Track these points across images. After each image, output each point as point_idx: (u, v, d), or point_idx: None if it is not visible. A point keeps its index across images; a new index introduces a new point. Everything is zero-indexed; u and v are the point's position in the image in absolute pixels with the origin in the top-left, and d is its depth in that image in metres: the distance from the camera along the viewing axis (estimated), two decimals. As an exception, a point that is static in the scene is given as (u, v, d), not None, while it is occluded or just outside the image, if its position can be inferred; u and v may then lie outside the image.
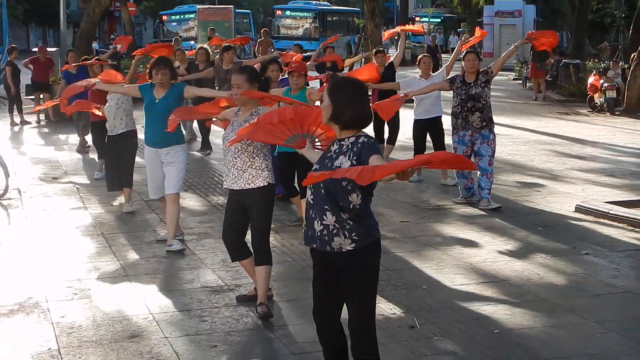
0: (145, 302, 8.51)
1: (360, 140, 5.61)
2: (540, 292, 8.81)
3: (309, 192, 5.68)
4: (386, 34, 20.30)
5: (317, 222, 5.63)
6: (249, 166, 7.86)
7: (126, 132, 12.29)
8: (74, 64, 18.06)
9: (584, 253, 10.25)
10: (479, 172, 12.60)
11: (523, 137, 20.61)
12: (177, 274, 9.55)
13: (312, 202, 5.67)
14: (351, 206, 5.56)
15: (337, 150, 5.65)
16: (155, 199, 10.88)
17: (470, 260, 9.95)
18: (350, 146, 5.59)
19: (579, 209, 12.41)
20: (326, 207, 5.59)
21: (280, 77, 12.67)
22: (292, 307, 8.39)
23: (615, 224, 11.60)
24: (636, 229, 11.29)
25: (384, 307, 8.18)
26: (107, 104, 12.18)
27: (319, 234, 5.64)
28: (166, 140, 10.16)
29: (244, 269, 8.53)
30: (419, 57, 14.99)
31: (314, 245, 5.70)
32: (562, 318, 8.08)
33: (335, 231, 5.60)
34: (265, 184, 7.96)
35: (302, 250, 10.27)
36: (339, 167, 5.52)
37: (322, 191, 5.58)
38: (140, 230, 11.48)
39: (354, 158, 5.52)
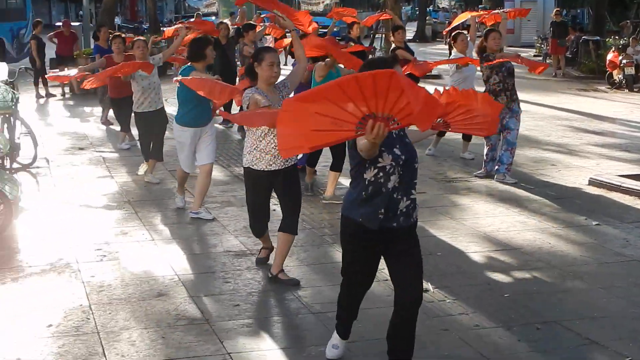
0: (171, 265, 8.89)
1: None
2: (550, 260, 9.13)
3: (393, 177, 5.69)
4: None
5: (404, 200, 5.79)
6: None
7: (162, 108, 12.66)
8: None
9: (595, 224, 10.56)
10: (503, 146, 12.85)
11: (541, 112, 20.81)
12: (201, 239, 9.92)
13: (397, 185, 5.75)
14: None
15: (401, 131, 5.83)
16: (190, 172, 11.21)
17: (484, 229, 10.28)
18: None
19: (592, 182, 12.71)
20: (415, 181, 5.85)
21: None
22: (311, 270, 8.74)
23: (626, 196, 11.89)
24: (647, 202, 11.60)
25: (399, 272, 8.52)
26: (148, 81, 12.39)
27: (404, 210, 5.80)
28: (210, 116, 10.64)
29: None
30: (453, 34, 14.75)
31: (394, 224, 5.80)
32: (569, 284, 8.41)
33: (415, 201, 5.91)
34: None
35: (320, 218, 10.66)
36: (409, 142, 5.84)
37: (415, 166, 5.82)
38: (165, 198, 11.86)
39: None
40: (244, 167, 8.29)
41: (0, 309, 7.67)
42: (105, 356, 6.63)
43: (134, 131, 15.16)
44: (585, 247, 9.65)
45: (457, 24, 16.56)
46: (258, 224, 8.62)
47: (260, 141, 8.02)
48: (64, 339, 6.97)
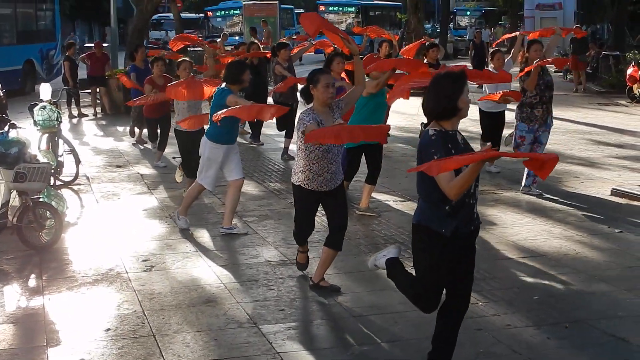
0: (216, 274, 9.39)
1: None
2: (576, 265, 9.61)
3: (472, 185, 5.92)
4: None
5: (475, 205, 6.16)
6: (339, 164, 8.56)
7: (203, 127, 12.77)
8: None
9: (618, 231, 11.02)
10: None
11: (563, 127, 21.12)
12: (242, 250, 10.41)
13: (473, 190, 6.03)
14: None
15: (462, 140, 6.13)
16: (212, 190, 11.61)
17: (511, 238, 10.75)
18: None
19: (614, 192, 13.16)
20: (477, 184, 6.10)
21: None
22: (349, 278, 9.21)
23: (648, 205, 12.36)
24: (668, 210, 12.03)
25: (433, 278, 8.99)
26: (194, 101, 12.56)
27: (476, 214, 6.20)
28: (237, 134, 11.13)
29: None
30: (492, 52, 15.32)
31: (472, 228, 6.18)
32: (595, 286, 8.89)
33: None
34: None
35: (355, 230, 11.11)
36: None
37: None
38: (204, 212, 12.35)
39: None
40: (294, 184, 8.65)
41: (58, 315, 8.19)
42: (163, 356, 7.13)
43: (168, 150, 15.78)
44: (608, 253, 10.12)
45: (502, 40, 17.41)
46: (303, 234, 9.09)
47: (314, 164, 8.35)
48: (122, 341, 7.48)
